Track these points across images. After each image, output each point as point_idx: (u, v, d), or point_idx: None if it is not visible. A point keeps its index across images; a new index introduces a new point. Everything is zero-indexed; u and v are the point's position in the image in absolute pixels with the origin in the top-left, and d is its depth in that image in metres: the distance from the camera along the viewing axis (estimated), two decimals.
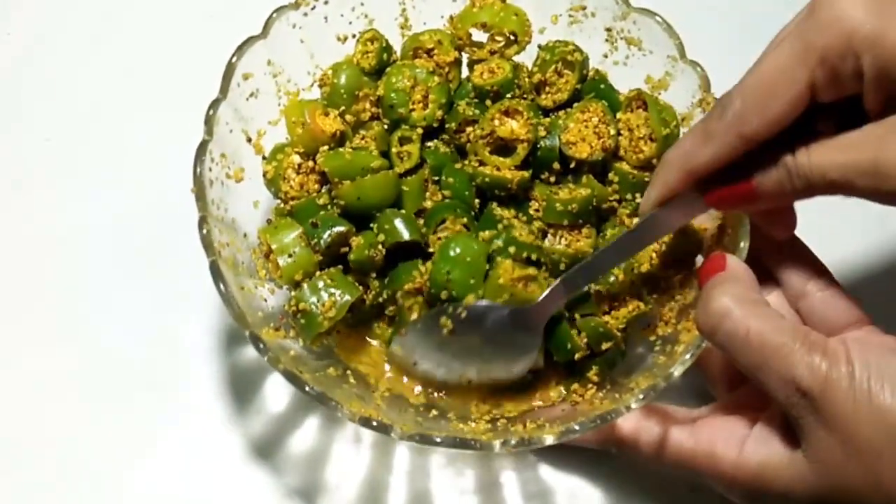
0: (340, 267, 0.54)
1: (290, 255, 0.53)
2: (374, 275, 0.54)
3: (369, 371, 0.55)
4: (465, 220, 0.55)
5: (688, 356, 0.47)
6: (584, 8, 0.59)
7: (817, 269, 0.50)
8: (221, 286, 0.47)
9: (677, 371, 0.46)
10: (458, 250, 0.51)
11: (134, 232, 0.63)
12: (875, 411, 0.39)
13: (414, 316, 0.53)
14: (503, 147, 0.56)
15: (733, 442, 0.46)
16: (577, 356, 0.52)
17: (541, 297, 0.51)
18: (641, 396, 0.46)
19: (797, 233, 0.50)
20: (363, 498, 0.55)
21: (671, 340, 0.51)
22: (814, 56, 0.41)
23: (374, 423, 0.45)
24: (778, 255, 0.51)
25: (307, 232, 0.53)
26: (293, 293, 0.52)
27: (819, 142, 0.42)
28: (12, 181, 0.66)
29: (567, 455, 0.55)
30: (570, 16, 0.60)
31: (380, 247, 0.54)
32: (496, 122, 0.55)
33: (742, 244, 0.49)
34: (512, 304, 0.51)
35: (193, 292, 0.58)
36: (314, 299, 0.52)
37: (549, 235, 0.55)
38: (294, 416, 0.57)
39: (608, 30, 0.59)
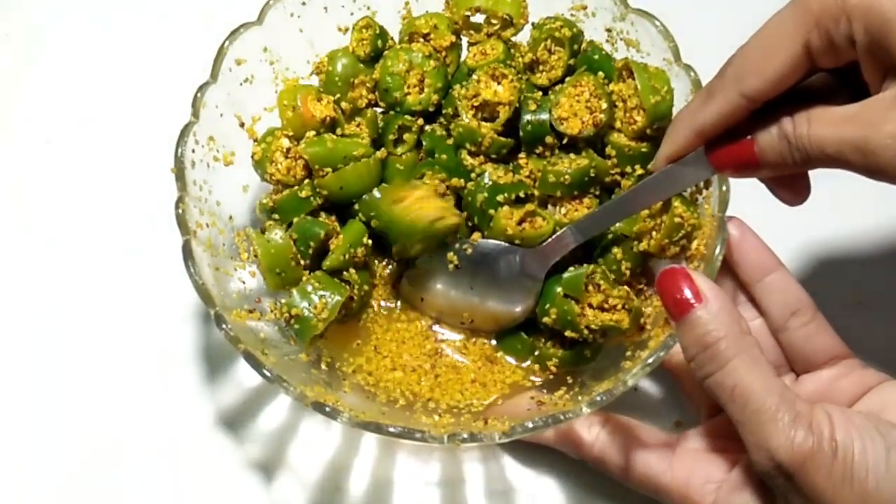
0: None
1: (279, 273, 0.53)
2: (352, 269, 0.55)
3: (352, 361, 0.56)
4: (443, 175, 0.56)
5: (649, 362, 0.46)
6: (584, 7, 0.59)
7: (801, 302, 0.50)
8: (191, 266, 0.48)
9: (631, 379, 0.46)
10: None
11: (135, 231, 0.63)
12: (856, 496, 0.39)
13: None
14: (491, 119, 0.56)
15: (710, 487, 0.46)
16: (544, 319, 0.53)
17: (548, 241, 0.53)
18: (598, 399, 0.46)
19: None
20: (324, 477, 0.55)
21: (642, 346, 0.51)
22: (810, 18, 0.41)
23: (327, 409, 0.45)
24: (762, 285, 0.51)
25: (294, 246, 0.53)
26: (283, 301, 0.53)
27: (820, 113, 0.42)
28: (12, 181, 0.66)
29: (536, 454, 0.55)
30: (572, 15, 0.59)
31: (365, 239, 0.54)
32: (482, 85, 0.55)
33: (718, 250, 0.49)
34: (524, 246, 0.53)
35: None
36: (305, 304, 0.52)
37: (548, 206, 0.55)
38: (267, 392, 0.58)
39: (608, 30, 0.58)
